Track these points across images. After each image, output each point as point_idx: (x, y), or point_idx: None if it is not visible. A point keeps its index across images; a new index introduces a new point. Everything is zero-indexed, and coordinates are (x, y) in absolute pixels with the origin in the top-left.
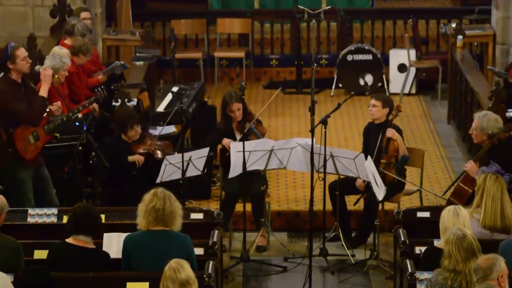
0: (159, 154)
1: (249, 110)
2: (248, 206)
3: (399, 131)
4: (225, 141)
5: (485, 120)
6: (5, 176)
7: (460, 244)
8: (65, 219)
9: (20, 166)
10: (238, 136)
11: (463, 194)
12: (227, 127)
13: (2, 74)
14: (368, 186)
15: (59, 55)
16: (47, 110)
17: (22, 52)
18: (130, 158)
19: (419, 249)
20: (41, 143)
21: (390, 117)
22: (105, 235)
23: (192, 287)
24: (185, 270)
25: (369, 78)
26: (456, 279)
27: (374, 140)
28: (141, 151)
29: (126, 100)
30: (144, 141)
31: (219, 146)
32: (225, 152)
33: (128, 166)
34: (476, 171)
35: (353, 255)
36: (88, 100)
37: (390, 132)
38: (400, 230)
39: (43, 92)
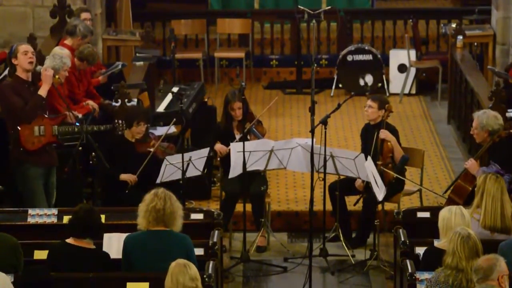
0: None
1: (251, 111)
2: (248, 207)
3: (394, 131)
4: (217, 146)
5: (484, 117)
6: (17, 176)
7: (466, 243)
8: (65, 219)
9: (29, 164)
10: (237, 136)
11: (463, 192)
12: (227, 125)
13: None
14: (368, 186)
15: (59, 56)
16: (64, 114)
17: (23, 47)
18: (122, 176)
19: (419, 250)
20: (45, 139)
21: (381, 118)
22: (105, 235)
23: (198, 284)
24: (193, 268)
25: (369, 79)
26: (458, 277)
27: (370, 141)
28: (145, 149)
29: (126, 100)
30: (148, 141)
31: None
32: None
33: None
34: (477, 170)
35: (353, 256)
36: (106, 126)
37: (383, 134)
38: (400, 230)
39: (43, 92)
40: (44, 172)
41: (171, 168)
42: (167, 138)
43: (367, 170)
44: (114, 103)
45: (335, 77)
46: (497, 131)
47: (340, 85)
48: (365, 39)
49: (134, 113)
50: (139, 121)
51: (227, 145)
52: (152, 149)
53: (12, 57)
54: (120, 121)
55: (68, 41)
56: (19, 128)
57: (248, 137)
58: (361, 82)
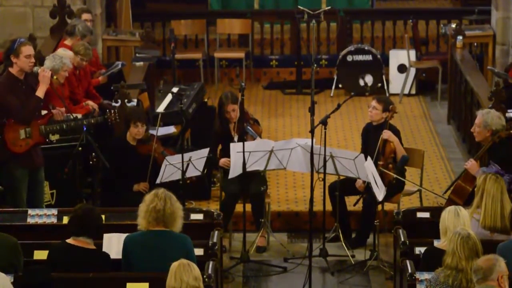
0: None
1: (246, 111)
2: (248, 207)
3: (396, 132)
4: (221, 161)
5: (489, 117)
6: (2, 173)
7: (465, 243)
8: (65, 219)
9: (16, 164)
10: (235, 137)
11: (463, 192)
12: (224, 128)
13: (5, 68)
14: (368, 186)
15: (60, 56)
16: (50, 112)
17: (27, 49)
18: (136, 187)
19: (419, 250)
20: (32, 141)
21: (384, 119)
22: (105, 235)
23: (201, 285)
24: (196, 268)
25: (369, 79)
26: (458, 277)
27: (372, 141)
28: (144, 152)
29: (126, 100)
30: (150, 143)
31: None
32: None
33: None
34: (477, 170)
35: (353, 256)
36: (96, 117)
37: (386, 134)
38: (400, 230)
39: (40, 93)
40: (30, 173)
41: (170, 168)
42: (166, 138)
43: (367, 171)
44: (114, 103)
45: (335, 77)
46: (499, 131)
47: (340, 85)
48: (365, 39)
49: (130, 114)
50: (135, 121)
51: (227, 147)
52: (151, 152)
53: (13, 54)
54: (111, 111)
55: (68, 42)
56: (5, 131)
57: (245, 137)
58: (361, 82)
